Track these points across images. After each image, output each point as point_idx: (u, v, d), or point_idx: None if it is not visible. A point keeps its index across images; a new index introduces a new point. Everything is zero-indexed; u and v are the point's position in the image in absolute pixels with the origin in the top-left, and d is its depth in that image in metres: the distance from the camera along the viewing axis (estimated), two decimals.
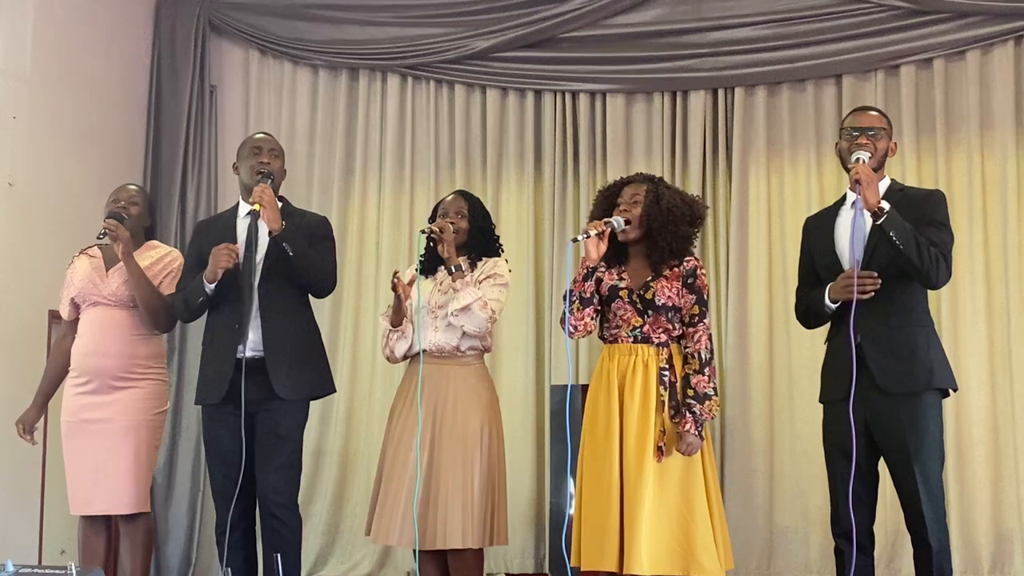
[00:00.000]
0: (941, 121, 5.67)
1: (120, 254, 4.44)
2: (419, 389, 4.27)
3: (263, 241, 4.33)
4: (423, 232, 4.37)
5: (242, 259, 4.30)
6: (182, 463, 6.25)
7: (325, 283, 4.47)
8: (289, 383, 4.27)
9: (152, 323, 4.54)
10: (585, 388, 4.17)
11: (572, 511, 4.01)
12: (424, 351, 4.34)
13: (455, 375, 4.32)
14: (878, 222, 3.76)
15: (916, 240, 3.78)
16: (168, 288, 4.56)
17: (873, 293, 3.82)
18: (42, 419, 4.84)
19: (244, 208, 4.40)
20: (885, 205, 3.77)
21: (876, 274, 3.84)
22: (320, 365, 4.48)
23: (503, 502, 4.34)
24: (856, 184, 3.79)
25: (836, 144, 4.12)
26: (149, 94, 6.51)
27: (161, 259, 4.64)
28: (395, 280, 4.32)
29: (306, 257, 4.28)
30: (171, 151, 6.44)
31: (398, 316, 4.40)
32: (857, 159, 3.87)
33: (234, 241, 4.33)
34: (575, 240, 3.93)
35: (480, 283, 4.31)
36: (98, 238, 4.50)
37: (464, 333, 4.29)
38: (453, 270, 4.27)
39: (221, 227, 4.44)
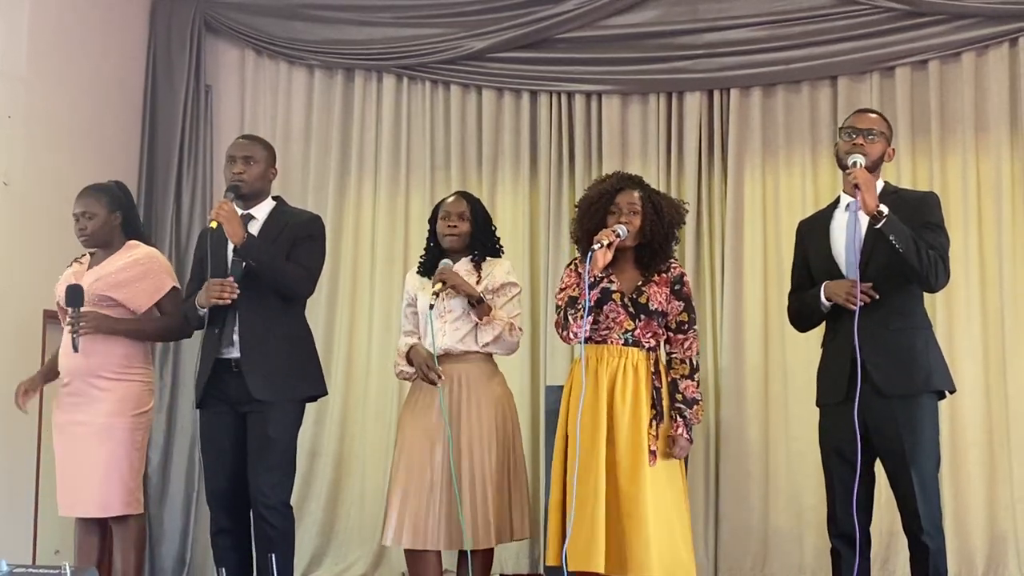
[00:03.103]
0: (936, 123, 5.67)
1: (103, 331, 4.40)
2: (442, 393, 4.27)
3: None
4: (434, 296, 4.29)
5: (231, 263, 4.31)
6: (176, 464, 6.24)
7: (297, 289, 4.40)
8: (265, 384, 4.24)
9: (175, 339, 4.73)
10: None
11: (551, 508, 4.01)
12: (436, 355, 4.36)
13: (465, 373, 4.34)
14: (877, 226, 3.77)
15: (915, 243, 3.78)
16: (142, 294, 4.51)
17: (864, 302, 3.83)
18: (37, 423, 4.83)
19: (238, 211, 4.38)
20: (884, 209, 3.77)
21: (872, 286, 3.85)
22: (305, 367, 4.44)
23: (522, 495, 4.37)
24: (855, 188, 3.79)
25: (835, 144, 4.12)
26: (145, 94, 6.50)
27: (136, 262, 4.54)
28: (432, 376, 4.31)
29: (272, 268, 4.26)
30: (166, 151, 6.44)
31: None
32: (854, 163, 3.88)
33: (225, 245, 4.33)
34: (592, 250, 3.87)
35: (494, 298, 4.33)
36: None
37: (469, 332, 4.32)
38: (474, 304, 4.28)
39: (217, 233, 4.41)
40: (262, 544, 4.25)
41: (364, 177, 6.46)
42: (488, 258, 4.46)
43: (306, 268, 4.39)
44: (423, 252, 4.58)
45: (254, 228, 4.37)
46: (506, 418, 4.37)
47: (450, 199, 4.55)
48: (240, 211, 4.37)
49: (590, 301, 3.89)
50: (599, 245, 3.85)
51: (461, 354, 4.35)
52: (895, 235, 3.76)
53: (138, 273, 4.53)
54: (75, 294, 4.38)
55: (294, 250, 4.35)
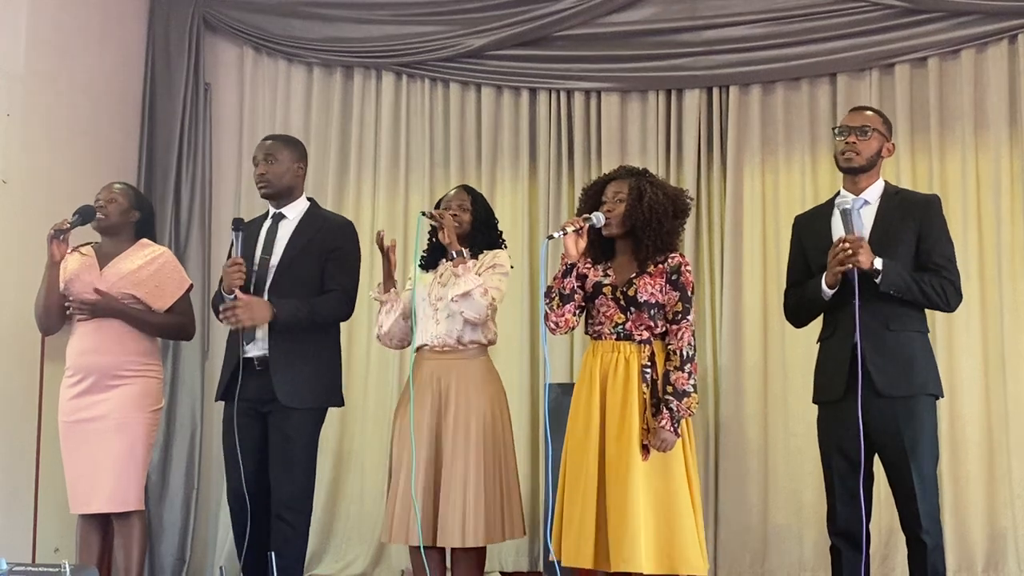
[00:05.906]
0: (935, 120, 5.67)
1: (109, 312, 4.48)
2: (411, 382, 4.26)
3: (280, 244, 4.39)
4: (423, 214, 4.37)
5: (258, 261, 4.36)
6: (176, 461, 6.24)
7: (337, 318, 4.46)
8: (291, 388, 4.27)
9: (175, 339, 4.76)
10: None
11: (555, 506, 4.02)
12: (425, 345, 4.35)
13: (458, 369, 4.31)
14: (876, 279, 3.80)
15: (917, 284, 3.84)
16: (164, 293, 4.58)
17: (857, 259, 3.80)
18: (37, 421, 4.83)
19: (271, 210, 4.49)
20: (878, 264, 3.79)
21: (858, 238, 3.83)
22: (327, 374, 4.46)
23: (514, 494, 4.33)
24: (851, 257, 3.80)
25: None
26: (143, 92, 6.50)
27: (154, 260, 4.64)
28: (380, 238, 4.34)
29: (312, 321, 4.29)
30: (165, 149, 6.44)
31: (388, 283, 4.41)
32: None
33: (255, 237, 4.41)
34: (550, 237, 3.92)
35: (481, 273, 4.31)
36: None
37: (465, 323, 4.29)
38: (454, 256, 4.27)
39: (253, 229, 4.48)
40: (277, 542, 4.25)
41: (363, 175, 6.45)
42: (486, 250, 4.45)
43: (343, 289, 4.41)
44: (425, 248, 4.58)
45: (286, 228, 4.43)
46: (497, 416, 4.32)
47: (452, 191, 4.57)
48: (272, 209, 4.45)
49: (564, 289, 3.90)
50: (562, 232, 3.86)
51: (454, 347, 4.33)
52: (895, 288, 3.82)
53: (159, 271, 4.61)
54: (89, 210, 4.57)
55: (327, 265, 4.38)
